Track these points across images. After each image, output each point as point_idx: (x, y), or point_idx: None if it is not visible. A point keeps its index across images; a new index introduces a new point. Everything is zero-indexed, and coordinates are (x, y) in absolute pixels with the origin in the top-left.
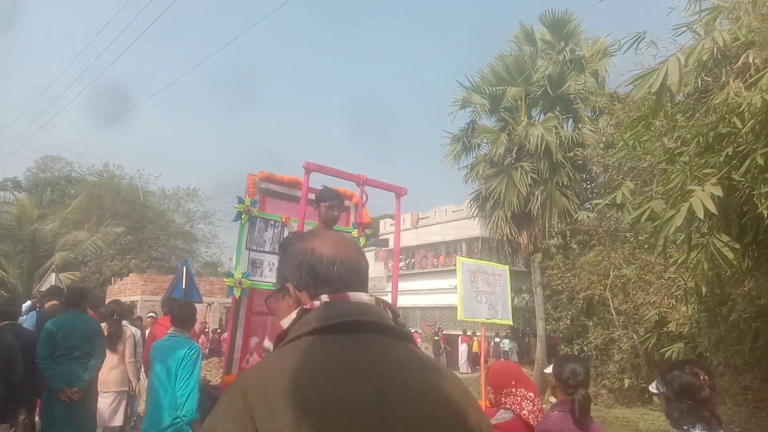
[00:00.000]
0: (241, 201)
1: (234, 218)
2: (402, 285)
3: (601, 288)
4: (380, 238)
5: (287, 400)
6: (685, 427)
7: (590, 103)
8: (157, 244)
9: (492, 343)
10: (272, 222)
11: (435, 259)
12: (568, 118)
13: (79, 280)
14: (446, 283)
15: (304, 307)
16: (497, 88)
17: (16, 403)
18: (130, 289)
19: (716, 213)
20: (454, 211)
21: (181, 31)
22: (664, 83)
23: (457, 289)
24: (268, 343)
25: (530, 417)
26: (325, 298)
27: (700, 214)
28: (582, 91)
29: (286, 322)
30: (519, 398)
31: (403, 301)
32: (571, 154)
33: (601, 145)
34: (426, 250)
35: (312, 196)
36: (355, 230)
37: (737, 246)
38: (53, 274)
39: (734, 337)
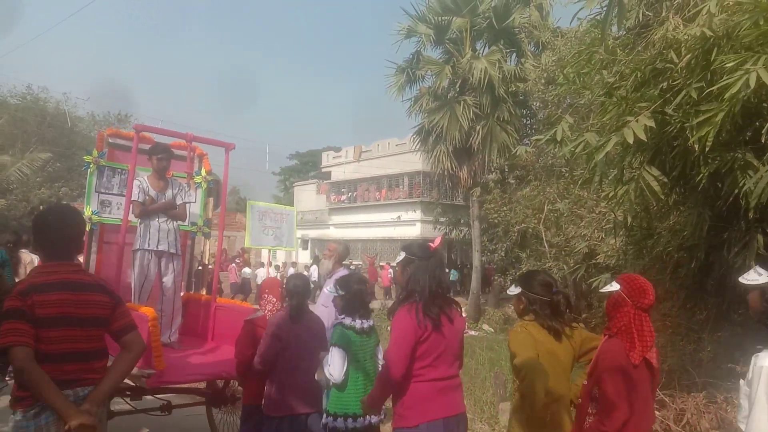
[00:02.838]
0: (89, 153)
1: (83, 167)
2: (344, 218)
3: (536, 221)
4: (322, 170)
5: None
6: (350, 317)
7: (534, 38)
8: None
9: None
10: (119, 170)
11: (377, 193)
12: (511, 52)
13: (5, 209)
14: (387, 216)
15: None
16: (443, 18)
17: None
18: None
19: (646, 140)
20: (396, 145)
21: None
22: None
23: (246, 225)
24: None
25: (268, 314)
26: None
27: (630, 140)
28: (526, 24)
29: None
30: (266, 302)
31: (344, 233)
32: (513, 89)
33: (543, 81)
34: (368, 184)
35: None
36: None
37: (665, 180)
38: None
39: (657, 268)
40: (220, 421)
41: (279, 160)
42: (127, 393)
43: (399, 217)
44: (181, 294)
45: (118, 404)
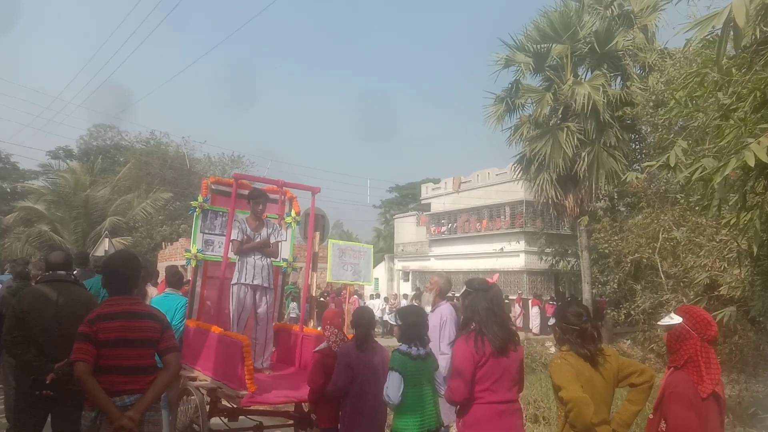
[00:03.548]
0: (195, 199)
1: (190, 211)
2: (444, 249)
3: (650, 251)
4: (422, 202)
5: (26, 308)
6: (406, 344)
7: (639, 60)
8: None
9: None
10: (220, 213)
11: (478, 223)
12: (615, 76)
13: (131, 245)
14: (489, 247)
15: (46, 273)
16: (542, 45)
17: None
18: (180, 254)
19: None
20: (497, 174)
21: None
22: (728, 21)
23: (327, 261)
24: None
25: (333, 345)
26: (51, 271)
27: (751, 163)
28: (630, 47)
29: (38, 276)
30: (330, 333)
31: (445, 265)
32: (620, 113)
33: (651, 104)
34: (468, 215)
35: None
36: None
37: None
38: (107, 240)
39: None
40: None
41: (379, 193)
42: (224, 414)
43: (502, 249)
44: (273, 324)
45: (217, 427)
